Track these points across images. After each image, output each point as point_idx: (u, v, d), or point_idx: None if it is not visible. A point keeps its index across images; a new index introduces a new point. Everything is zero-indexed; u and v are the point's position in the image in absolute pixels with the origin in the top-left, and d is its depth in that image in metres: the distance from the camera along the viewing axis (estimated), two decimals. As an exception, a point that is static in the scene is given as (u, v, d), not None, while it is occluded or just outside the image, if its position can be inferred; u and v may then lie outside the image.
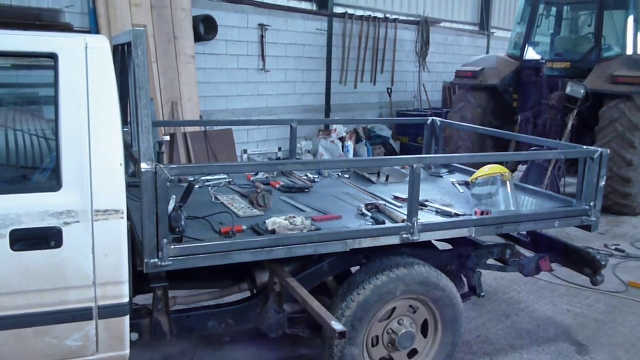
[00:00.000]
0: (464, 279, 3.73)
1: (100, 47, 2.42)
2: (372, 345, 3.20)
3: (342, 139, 9.47)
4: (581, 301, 4.74)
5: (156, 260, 2.49)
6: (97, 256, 2.38)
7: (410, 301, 3.22)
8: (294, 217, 2.99)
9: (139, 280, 2.82)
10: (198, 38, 7.82)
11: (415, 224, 2.99)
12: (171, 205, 2.96)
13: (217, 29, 8.01)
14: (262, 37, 8.77)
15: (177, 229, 2.78)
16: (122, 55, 3.36)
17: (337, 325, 2.47)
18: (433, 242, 3.63)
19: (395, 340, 3.15)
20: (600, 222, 3.73)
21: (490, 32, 13.95)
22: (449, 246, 3.82)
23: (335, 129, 9.48)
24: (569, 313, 4.52)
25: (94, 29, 6.80)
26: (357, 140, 9.82)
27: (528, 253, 4.02)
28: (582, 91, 6.81)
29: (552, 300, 4.75)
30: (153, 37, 7.22)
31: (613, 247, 6.10)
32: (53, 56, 2.34)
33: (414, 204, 3.00)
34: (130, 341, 2.83)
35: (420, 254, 3.39)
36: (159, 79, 7.28)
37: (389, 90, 11.02)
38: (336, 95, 10.19)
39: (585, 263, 3.76)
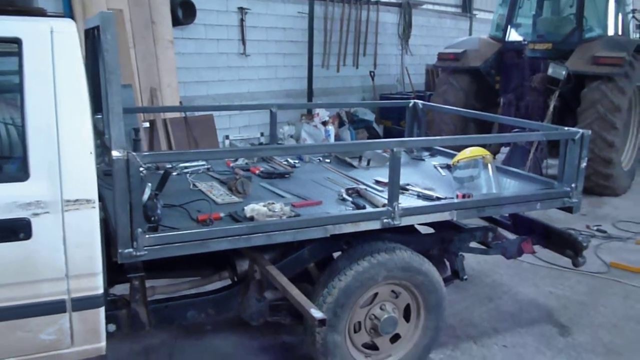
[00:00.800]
0: (447, 263, 3.72)
1: (66, 31, 2.32)
2: (355, 332, 3.17)
3: (325, 124, 9.40)
4: (563, 283, 4.76)
5: (131, 250, 2.42)
6: (68, 248, 2.31)
7: (393, 286, 3.20)
8: (273, 203, 2.93)
9: (116, 270, 2.76)
10: (176, 23, 7.67)
11: (396, 209, 2.95)
12: (147, 194, 2.88)
13: (196, 13, 7.87)
14: (242, 20, 8.62)
15: (152, 218, 2.71)
16: (93, 40, 3.26)
17: (317, 313, 2.43)
18: (415, 226, 3.61)
19: (378, 326, 3.13)
20: (582, 204, 3.72)
21: (473, 14, 13.89)
22: (431, 230, 3.80)
23: (318, 114, 9.40)
24: (551, 295, 4.54)
25: (69, 13, 6.64)
26: (340, 124, 9.75)
27: (511, 236, 4.02)
28: (564, 72, 6.80)
29: (535, 283, 4.77)
30: (130, 21, 7.06)
31: (595, 228, 6.14)
32: (17, 41, 2.25)
33: (395, 188, 2.96)
34: (108, 333, 2.79)
35: (402, 238, 3.36)
36: (137, 65, 7.13)
37: (372, 74, 10.94)
38: (318, 80, 10.08)
39: (567, 245, 3.77)
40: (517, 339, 3.85)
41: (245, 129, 9.09)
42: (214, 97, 8.43)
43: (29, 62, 2.25)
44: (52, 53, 2.28)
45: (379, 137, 10.24)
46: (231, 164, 4.02)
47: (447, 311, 4.08)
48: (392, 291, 3.22)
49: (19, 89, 2.24)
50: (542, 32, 8.11)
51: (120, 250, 2.41)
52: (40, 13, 6.48)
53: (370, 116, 10.31)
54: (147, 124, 7.26)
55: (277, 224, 2.72)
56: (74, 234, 2.31)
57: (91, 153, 2.32)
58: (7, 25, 2.28)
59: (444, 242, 3.59)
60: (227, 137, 8.71)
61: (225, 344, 3.69)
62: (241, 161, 4.11)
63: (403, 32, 11.56)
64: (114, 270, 2.75)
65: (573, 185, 3.51)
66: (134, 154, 2.35)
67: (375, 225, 2.95)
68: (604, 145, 7.02)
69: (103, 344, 2.51)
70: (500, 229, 4.03)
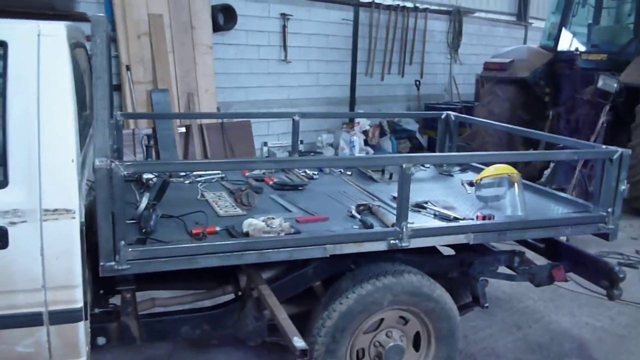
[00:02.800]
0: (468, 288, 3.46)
1: (54, 35, 2.25)
2: (358, 359, 2.97)
3: (365, 133, 9.20)
4: (603, 313, 4.38)
5: (112, 263, 2.32)
6: (46, 258, 2.23)
7: (401, 312, 2.98)
8: (273, 218, 2.77)
9: (110, 281, 2.68)
10: (217, 28, 7.68)
11: (404, 229, 2.74)
12: (144, 204, 2.81)
13: (237, 19, 7.84)
14: (284, 27, 8.56)
15: (144, 230, 2.62)
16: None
17: (299, 342, 2.25)
18: (437, 247, 3.38)
19: (382, 354, 2.92)
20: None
21: (529, 23, 13.37)
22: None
23: (358, 122, 9.21)
24: (588, 326, 4.18)
25: (110, 18, 6.72)
26: (382, 134, 9.52)
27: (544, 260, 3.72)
28: (615, 85, 6.36)
29: (571, 311, 4.41)
30: (170, 27, 7.12)
31: (645, 253, 5.68)
32: (2, 44, 2.19)
33: (404, 207, 2.74)
34: (97, 345, 2.72)
35: (416, 260, 3.14)
36: (175, 70, 7.18)
37: (417, 83, 10.66)
38: (362, 88, 9.90)
39: (603, 275, 3.42)
40: (543, 374, 3.55)
41: (285, 136, 8.98)
42: (253, 102, 8.38)
43: (13, 66, 2.18)
44: (38, 57, 2.21)
45: (422, 149, 9.95)
46: (247, 174, 3.90)
47: (470, 338, 3.86)
48: (401, 317, 3.00)
49: (1, 93, 2.17)
50: (597, 42, 7.64)
51: (102, 263, 2.31)
52: (82, 18, 6.60)
53: (413, 126, 10.04)
54: (183, 129, 7.28)
55: (271, 242, 2.56)
56: (52, 244, 2.23)
57: (73, 161, 2.23)
58: (-6, 28, 2.22)
59: (463, 265, 3.34)
60: (265, 144, 8.64)
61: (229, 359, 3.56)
62: (258, 171, 3.98)
63: (452, 40, 11.22)
64: (109, 282, 2.67)
65: (610, 209, 3.18)
66: (117, 162, 2.24)
67: (381, 246, 2.75)
68: (659, 164, 6.51)
69: (83, 359, 2.41)
70: (531, 253, 3.74)
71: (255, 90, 8.45)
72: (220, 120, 7.56)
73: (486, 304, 3.40)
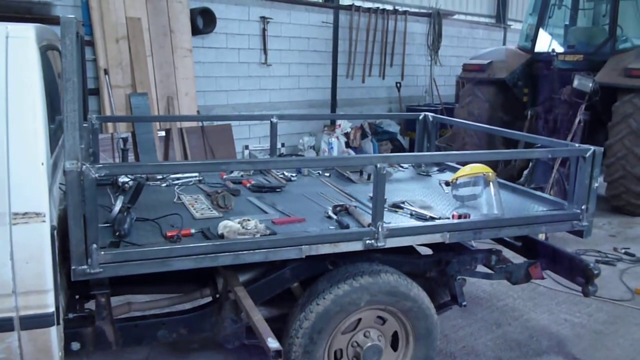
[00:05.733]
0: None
1: (23, 36, 2.23)
2: (336, 359, 2.96)
3: (347, 135, 9.22)
4: (581, 310, 4.43)
5: (85, 267, 2.30)
6: (16, 263, 2.19)
7: (379, 312, 2.98)
8: (249, 220, 2.76)
9: (85, 286, 2.65)
10: (196, 31, 7.64)
11: (380, 229, 2.74)
12: (117, 207, 2.78)
13: (216, 22, 7.82)
14: (264, 30, 8.55)
15: (117, 233, 2.60)
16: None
17: (273, 343, 2.24)
18: (415, 247, 3.39)
19: (360, 355, 2.92)
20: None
21: (508, 25, 13.52)
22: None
23: (339, 125, 9.22)
24: (566, 323, 4.22)
25: (87, 22, 6.67)
26: (363, 136, 9.54)
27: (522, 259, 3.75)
28: (591, 85, 6.44)
29: (550, 309, 4.45)
30: (148, 30, 7.07)
31: (623, 250, 5.74)
32: (-31, 46, 2.16)
33: (379, 207, 2.75)
34: (72, 351, 2.68)
35: (394, 260, 3.15)
36: (154, 74, 7.13)
37: (398, 85, 10.71)
38: (343, 90, 9.92)
39: (578, 272, 3.46)
40: (522, 371, 3.57)
41: (266, 139, 8.90)
42: (234, 106, 8.36)
43: (-20, 68, 2.15)
44: (5, 59, 2.18)
45: (404, 150, 9.99)
46: (224, 176, 3.88)
47: (450, 337, 3.88)
48: (379, 317, 3.00)
49: (-32, 95, 2.14)
50: (573, 43, 7.75)
51: (73, 267, 2.29)
52: (58, 21, 6.54)
53: (394, 128, 10.07)
54: (162, 133, 7.23)
55: (246, 243, 2.55)
56: (22, 248, 2.19)
57: (43, 164, 2.21)
58: (-39, 30, 2.19)
59: (440, 264, 3.36)
60: (246, 147, 8.61)
61: (209, 363, 3.54)
62: (236, 173, 3.97)
63: (432, 42, 11.30)
64: (85, 286, 2.64)
65: (583, 207, 3.22)
66: (87, 165, 2.22)
67: (356, 246, 2.75)
68: (636, 161, 6.60)
69: (57, 364, 2.38)
70: (509, 252, 3.78)
71: (236, 94, 8.43)
72: (200, 124, 7.53)
73: (464, 303, 3.42)
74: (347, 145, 9.21)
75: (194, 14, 7.55)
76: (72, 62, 2.24)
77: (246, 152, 8.59)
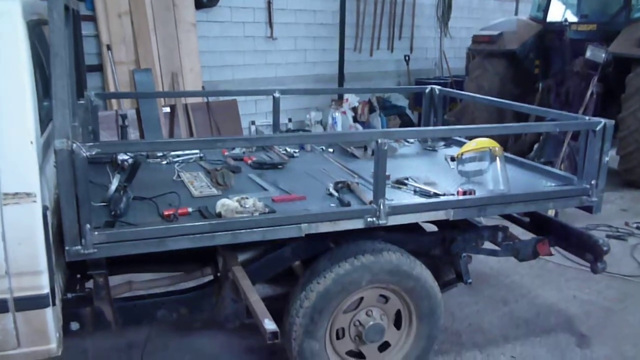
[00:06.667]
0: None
1: (8, 11, 2.15)
2: (338, 338, 2.93)
3: (354, 110, 9.09)
4: (591, 286, 4.36)
5: (78, 247, 2.25)
6: (8, 244, 2.16)
7: (381, 290, 2.93)
8: (247, 198, 2.70)
9: (85, 265, 2.62)
10: (200, 5, 7.51)
11: (381, 206, 2.67)
12: (114, 186, 2.74)
13: (220, -5, 7.68)
14: (269, 3, 8.37)
15: (113, 212, 2.55)
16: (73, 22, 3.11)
17: (270, 325, 2.20)
18: (420, 224, 3.32)
19: (363, 334, 2.87)
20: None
21: (520, -5, 13.16)
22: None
23: (347, 99, 9.09)
24: (575, 300, 4.16)
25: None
26: (371, 110, 9.40)
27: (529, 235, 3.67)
28: (604, 55, 6.24)
29: (559, 285, 4.38)
30: (150, 4, 6.94)
31: (635, 225, 5.64)
32: (-47, 22, 2.09)
33: (381, 183, 2.68)
34: (71, 331, 2.67)
35: (398, 238, 3.08)
36: (157, 49, 7.01)
37: (407, 58, 10.52)
38: (350, 64, 9.75)
39: (587, 248, 3.38)
40: (528, 349, 3.52)
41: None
42: (240, 81, 8.25)
43: (-35, 44, 2.08)
44: (-10, 35, 2.11)
45: (412, 125, 9.85)
46: (226, 153, 3.82)
47: (456, 315, 3.83)
48: (382, 295, 2.95)
49: (-47, 73, 2.08)
50: (587, 12, 7.51)
51: (67, 248, 2.24)
52: None
53: (403, 102, 9.92)
54: (167, 109, 7.16)
55: (243, 222, 2.49)
56: (13, 229, 2.15)
57: (32, 143, 2.15)
58: (-56, 5, 2.12)
59: (445, 242, 3.29)
60: (252, 122, 8.53)
61: (212, 343, 3.52)
62: (238, 150, 3.90)
63: (442, 14, 11.05)
64: (84, 265, 2.62)
65: (593, 182, 3.12)
66: (78, 144, 2.16)
67: (357, 224, 2.69)
68: (649, 135, 6.44)
69: (53, 345, 2.35)
70: (516, 228, 3.70)
71: (242, 69, 8.31)
72: (205, 100, 7.44)
73: (469, 280, 3.37)
74: (355, 120, 9.08)
75: (198, -14, 7.41)
76: (59, 37, 2.17)
77: (252, 127, 8.51)
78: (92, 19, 6.62)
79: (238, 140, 2.64)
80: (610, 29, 7.06)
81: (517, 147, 7.09)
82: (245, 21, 8.20)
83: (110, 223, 2.45)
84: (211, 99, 7.50)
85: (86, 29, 6.64)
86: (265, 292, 3.30)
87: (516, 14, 12.83)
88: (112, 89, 6.65)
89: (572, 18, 7.62)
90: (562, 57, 7.48)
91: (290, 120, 8.95)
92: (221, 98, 7.69)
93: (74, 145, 2.15)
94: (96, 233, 2.27)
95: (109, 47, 6.64)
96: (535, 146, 6.50)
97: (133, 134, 6.75)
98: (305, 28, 8.99)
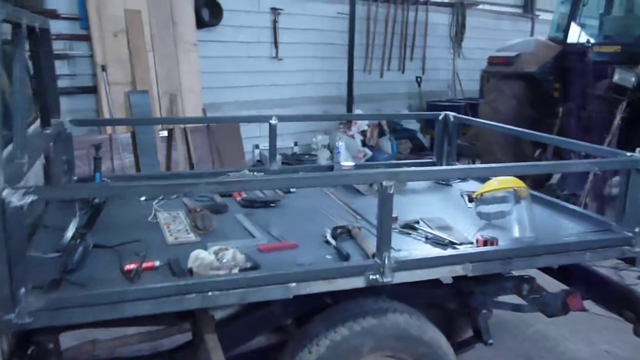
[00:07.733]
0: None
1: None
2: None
3: (363, 133, 8.68)
4: (625, 339, 3.82)
5: (11, 316, 1.83)
6: None
7: (386, 359, 2.47)
8: (226, 249, 2.27)
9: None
10: (201, 24, 7.19)
11: (386, 261, 2.23)
12: (69, 233, 2.32)
13: (223, 14, 7.34)
14: (274, 22, 8.04)
15: (64, 267, 2.13)
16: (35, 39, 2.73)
17: None
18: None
19: (363, 410, 2.41)
20: None
21: (536, 15, 12.76)
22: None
23: (356, 122, 8.69)
24: (608, 356, 3.67)
25: (83, 14, 6.25)
26: (381, 134, 8.99)
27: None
28: (633, 79, 5.79)
29: (588, 337, 3.89)
30: (149, 23, 6.61)
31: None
32: None
33: (385, 233, 2.24)
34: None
35: (406, 293, 2.63)
36: (155, 70, 6.68)
37: (419, 79, 10.12)
38: (360, 85, 9.36)
39: (627, 305, 2.90)
40: (557, 419, 3.04)
41: (278, 138, 8.45)
42: (243, 103, 7.88)
43: None
44: None
45: (424, 149, 9.42)
46: (214, 187, 3.40)
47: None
48: (386, 362, 2.49)
49: None
50: (610, 33, 7.06)
51: (-4, 317, 1.82)
52: (53, 15, 6.13)
53: (414, 125, 9.51)
54: (165, 133, 6.79)
55: (217, 283, 2.05)
56: None
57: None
58: None
59: (461, 295, 2.83)
60: (256, 146, 8.13)
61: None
62: (228, 183, 3.48)
63: (455, 34, 10.68)
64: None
65: (637, 229, 2.66)
66: (9, 189, 1.75)
67: (357, 283, 2.24)
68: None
69: None
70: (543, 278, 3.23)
71: (245, 90, 7.95)
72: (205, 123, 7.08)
73: (490, 340, 2.89)
74: (364, 144, 8.67)
75: (199, 5, 7.09)
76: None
77: (256, 151, 8.12)
78: (87, 38, 6.31)
79: (211, 185, 2.19)
80: (636, 51, 6.59)
81: (535, 176, 6.61)
82: (250, 41, 7.88)
83: (57, 282, 2.03)
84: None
85: (80, 49, 6.35)
86: (258, 342, 2.85)
87: (532, 34, 12.44)
88: (106, 112, 6.30)
89: (594, 39, 7.18)
90: (583, 80, 7.00)
91: (296, 144, 8.56)
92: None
93: (4, 191, 1.74)
94: (32, 299, 1.84)
95: (103, 68, 6.30)
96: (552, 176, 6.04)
97: (127, 159, 6.39)
98: (312, 48, 8.65)
